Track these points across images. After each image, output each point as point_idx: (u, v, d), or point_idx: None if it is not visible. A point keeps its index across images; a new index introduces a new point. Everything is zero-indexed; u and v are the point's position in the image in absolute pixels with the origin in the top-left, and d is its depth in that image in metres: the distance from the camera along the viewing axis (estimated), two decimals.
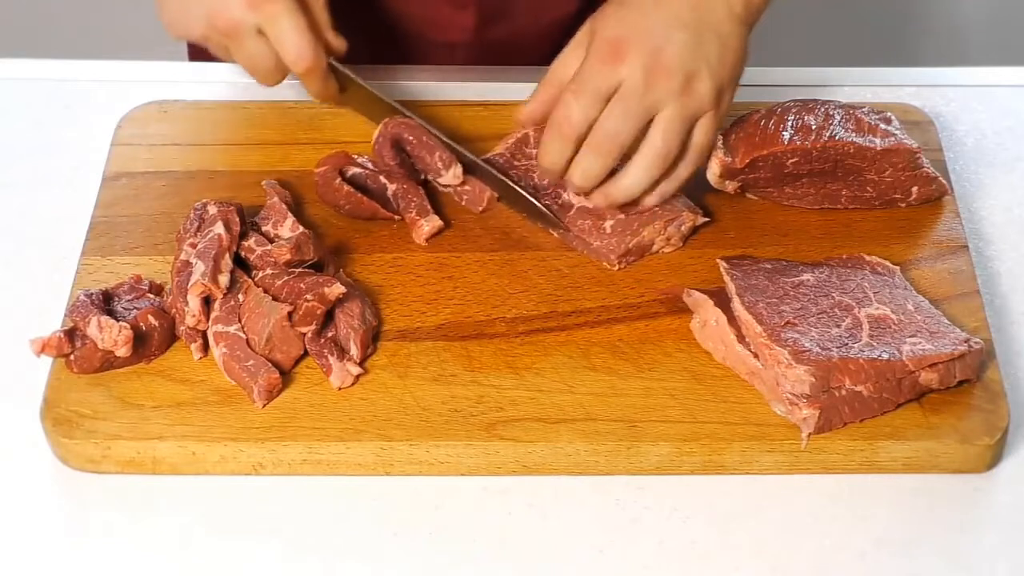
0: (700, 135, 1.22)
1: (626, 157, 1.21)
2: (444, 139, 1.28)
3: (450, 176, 1.27)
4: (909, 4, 2.64)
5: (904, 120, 1.29)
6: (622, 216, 1.24)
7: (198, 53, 1.58)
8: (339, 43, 1.30)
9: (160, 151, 1.33)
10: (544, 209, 1.25)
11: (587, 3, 1.49)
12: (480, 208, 1.27)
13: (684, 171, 1.23)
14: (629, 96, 1.18)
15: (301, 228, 1.21)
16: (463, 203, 1.28)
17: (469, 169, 1.28)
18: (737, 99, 1.24)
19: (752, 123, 1.25)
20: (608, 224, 1.24)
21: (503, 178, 1.27)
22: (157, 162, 1.31)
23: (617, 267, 1.23)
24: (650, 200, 1.23)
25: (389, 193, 1.26)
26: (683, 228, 1.24)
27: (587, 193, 1.24)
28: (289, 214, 1.22)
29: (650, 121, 1.20)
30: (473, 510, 1.10)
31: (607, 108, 1.19)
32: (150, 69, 1.44)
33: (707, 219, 1.25)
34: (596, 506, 1.11)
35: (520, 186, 1.26)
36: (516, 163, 1.29)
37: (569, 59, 1.23)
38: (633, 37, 1.19)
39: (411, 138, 1.28)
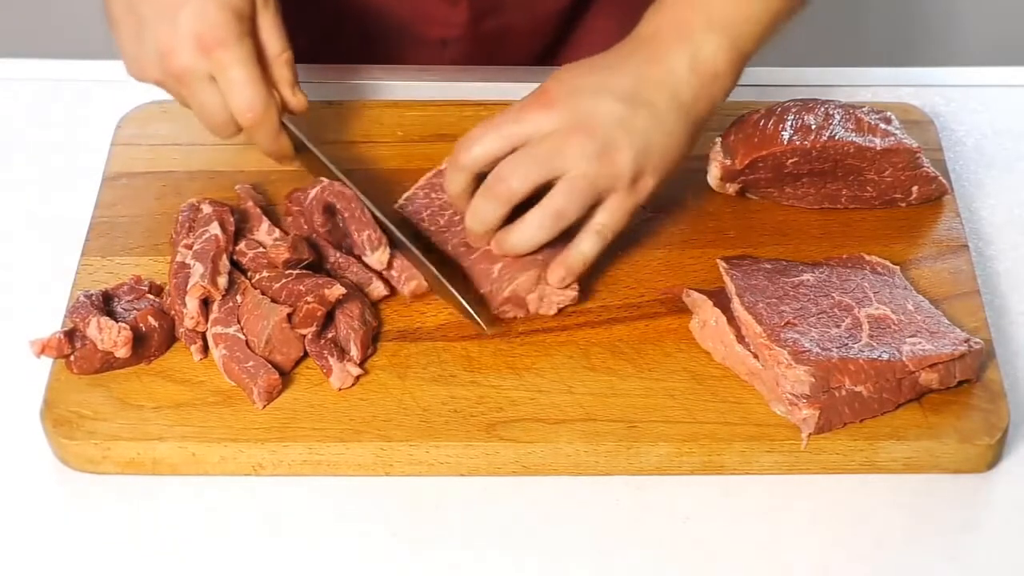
0: (606, 214, 1.16)
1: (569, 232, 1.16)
2: (379, 216, 1.21)
3: (374, 259, 1.19)
4: (909, 4, 2.64)
5: (904, 120, 1.29)
6: (510, 261, 1.18)
7: None
8: (298, 100, 1.24)
9: (160, 151, 1.33)
10: (470, 309, 1.17)
11: None
12: (408, 292, 1.20)
13: (587, 247, 1.17)
14: (539, 147, 1.14)
15: (277, 231, 1.21)
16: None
17: (398, 246, 1.21)
18: (737, 99, 1.24)
19: (751, 123, 1.25)
20: (496, 268, 1.19)
21: (432, 268, 1.19)
22: (157, 162, 1.31)
23: (492, 325, 1.17)
24: (552, 276, 1.17)
25: (327, 265, 1.21)
26: (553, 300, 1.18)
27: (481, 240, 1.19)
28: (264, 218, 1.22)
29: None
30: (473, 510, 1.10)
31: (513, 154, 1.15)
32: None
33: (575, 294, 1.18)
34: (596, 506, 1.11)
35: (450, 280, 1.18)
36: (433, 196, 1.24)
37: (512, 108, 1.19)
38: (565, 93, 1.16)
39: (343, 209, 1.21)
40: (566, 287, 1.18)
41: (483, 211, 1.17)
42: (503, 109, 1.18)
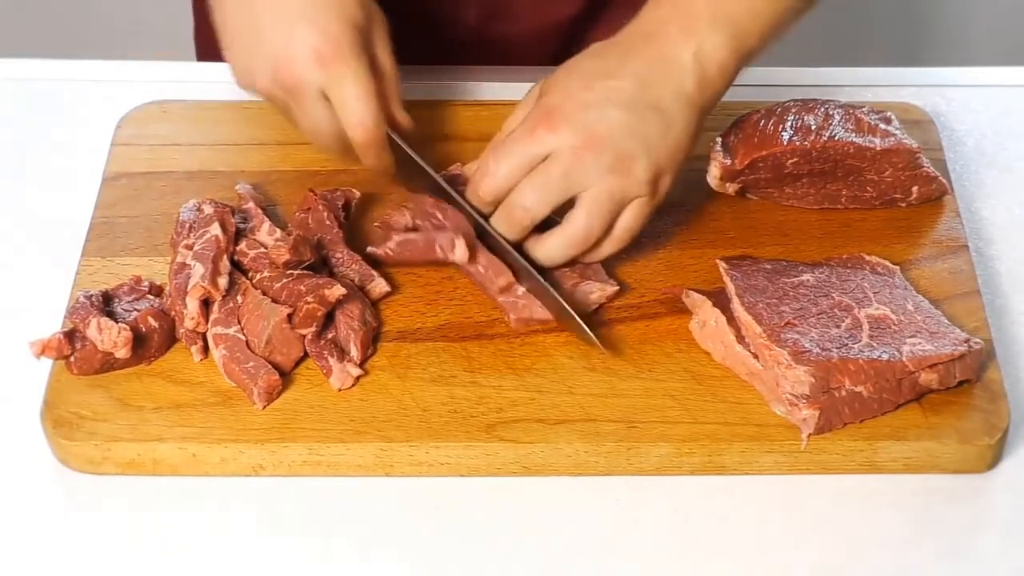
0: (629, 218, 1.17)
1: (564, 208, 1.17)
2: (489, 227, 1.19)
3: (459, 254, 1.18)
4: (909, 4, 2.64)
5: (904, 120, 1.29)
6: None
7: (207, 53, 1.58)
8: (404, 118, 1.23)
9: (160, 151, 1.32)
10: (588, 331, 1.15)
11: (589, 4, 1.49)
12: (497, 289, 1.18)
13: (607, 249, 1.18)
14: (552, 169, 1.14)
15: (278, 232, 1.21)
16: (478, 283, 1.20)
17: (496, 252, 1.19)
18: (737, 99, 1.24)
19: (751, 124, 1.25)
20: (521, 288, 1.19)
21: (553, 292, 1.17)
22: (157, 162, 1.31)
23: (514, 324, 1.17)
24: (553, 265, 1.19)
25: (331, 262, 1.21)
26: (591, 298, 1.20)
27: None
28: (265, 218, 1.22)
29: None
30: (473, 510, 1.10)
31: (526, 178, 1.15)
32: (150, 69, 1.44)
33: (616, 288, 1.20)
34: (596, 506, 1.11)
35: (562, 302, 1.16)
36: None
37: (517, 116, 1.20)
38: (569, 108, 1.15)
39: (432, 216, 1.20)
40: (605, 282, 1.19)
41: (505, 234, 1.18)
42: (508, 110, 1.18)
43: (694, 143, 1.19)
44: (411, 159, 1.22)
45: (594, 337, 1.15)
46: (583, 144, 1.14)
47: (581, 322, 1.15)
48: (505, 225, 1.18)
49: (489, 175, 1.17)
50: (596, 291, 1.19)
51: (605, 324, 1.19)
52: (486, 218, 1.19)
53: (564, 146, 1.14)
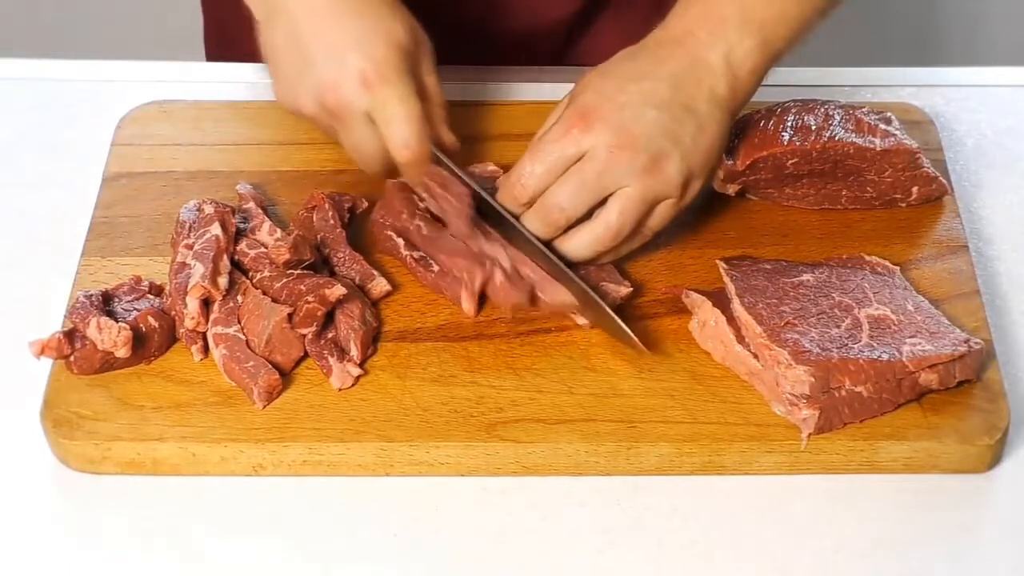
0: (656, 219, 1.18)
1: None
2: (529, 236, 1.19)
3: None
4: (909, 4, 2.64)
5: (904, 120, 1.29)
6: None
7: (216, 54, 1.58)
8: (450, 139, 1.24)
9: (160, 151, 1.33)
10: (631, 334, 1.15)
11: (590, 3, 1.49)
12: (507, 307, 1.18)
13: (626, 247, 1.20)
14: (588, 169, 1.15)
15: (279, 231, 1.21)
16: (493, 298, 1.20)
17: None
18: None
19: (752, 124, 1.25)
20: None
21: (594, 295, 1.17)
22: (157, 162, 1.31)
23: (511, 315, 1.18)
24: (579, 261, 1.19)
25: (332, 261, 1.21)
26: (604, 300, 1.18)
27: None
28: (266, 218, 1.22)
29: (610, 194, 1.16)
30: (473, 510, 1.10)
31: (562, 178, 1.16)
32: (150, 69, 1.44)
33: (630, 290, 1.20)
34: (596, 506, 1.11)
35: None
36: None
37: (549, 124, 1.20)
38: (604, 109, 1.15)
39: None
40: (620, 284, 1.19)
41: (537, 232, 1.18)
42: (509, 108, 1.17)
43: (724, 146, 1.20)
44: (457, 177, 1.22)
45: (634, 337, 1.15)
46: (619, 144, 1.14)
47: (623, 324, 1.15)
48: (539, 224, 1.18)
49: (525, 175, 1.17)
50: (610, 292, 1.19)
51: (638, 319, 1.18)
52: (517, 219, 1.19)
53: (600, 145, 1.15)
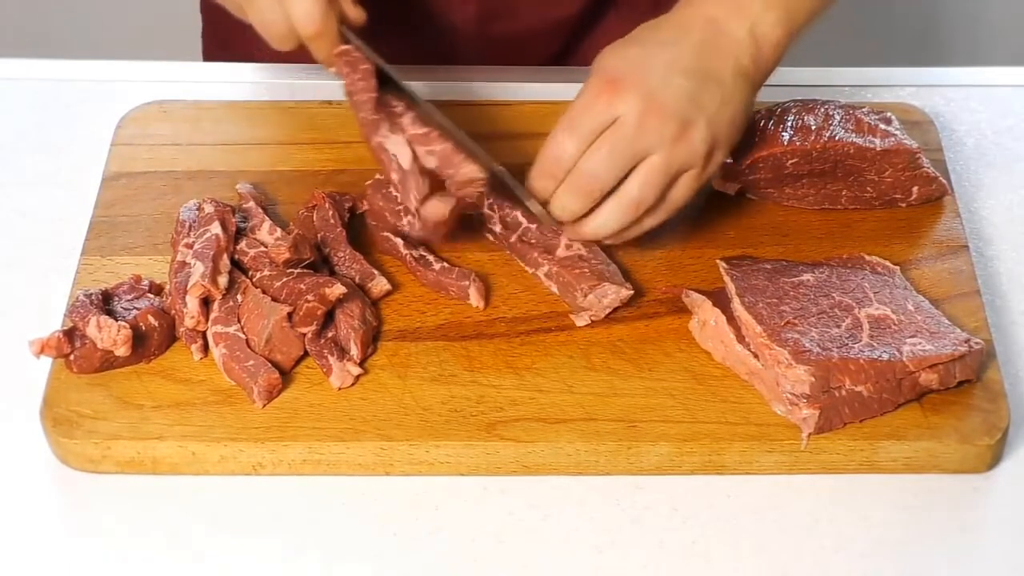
0: (679, 191, 1.17)
1: None
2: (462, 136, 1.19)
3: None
4: (909, 4, 2.64)
5: (904, 120, 1.29)
6: (556, 269, 1.20)
7: (212, 53, 1.58)
8: (356, 13, 1.22)
9: (160, 151, 1.33)
10: (543, 211, 1.17)
11: (592, 3, 1.49)
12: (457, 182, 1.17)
13: (649, 221, 1.18)
14: (618, 136, 1.14)
15: (279, 231, 1.21)
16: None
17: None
18: None
19: (752, 124, 1.25)
20: (542, 272, 1.21)
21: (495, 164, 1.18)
22: (157, 162, 1.31)
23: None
24: (604, 238, 1.19)
25: (333, 262, 1.22)
26: (604, 301, 1.19)
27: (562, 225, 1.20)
28: (266, 217, 1.22)
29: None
30: (473, 510, 1.10)
31: (594, 146, 1.15)
32: (150, 69, 1.44)
33: (631, 292, 1.19)
34: (596, 506, 1.11)
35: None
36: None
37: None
38: (632, 75, 1.14)
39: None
40: (620, 284, 1.19)
41: (570, 204, 1.17)
42: (509, 108, 1.17)
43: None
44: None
45: (547, 214, 1.16)
46: (647, 109, 1.13)
47: (531, 202, 1.15)
48: (572, 197, 1.16)
49: (560, 155, 1.15)
50: (611, 293, 1.19)
51: (638, 319, 1.19)
52: (508, 172, 1.19)
53: (630, 111, 1.13)
